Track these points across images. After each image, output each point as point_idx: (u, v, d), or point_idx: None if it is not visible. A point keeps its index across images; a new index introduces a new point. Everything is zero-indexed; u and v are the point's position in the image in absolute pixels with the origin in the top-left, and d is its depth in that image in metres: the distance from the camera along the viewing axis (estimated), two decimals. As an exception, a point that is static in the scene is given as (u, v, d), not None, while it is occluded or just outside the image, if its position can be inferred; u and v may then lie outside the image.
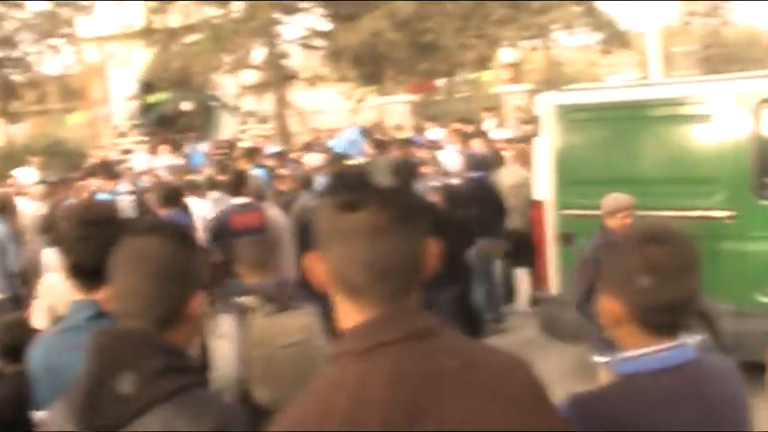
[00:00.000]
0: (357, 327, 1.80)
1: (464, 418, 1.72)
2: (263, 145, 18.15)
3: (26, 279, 8.21)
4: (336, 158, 12.29)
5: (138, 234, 2.34)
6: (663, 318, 2.22)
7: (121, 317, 2.27)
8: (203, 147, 21.34)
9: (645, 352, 2.22)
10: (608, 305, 2.28)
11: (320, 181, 10.51)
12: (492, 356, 1.87)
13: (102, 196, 11.01)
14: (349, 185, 1.82)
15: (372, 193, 1.78)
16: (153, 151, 19.66)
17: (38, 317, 5.20)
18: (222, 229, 8.26)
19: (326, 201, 1.84)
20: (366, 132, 18.60)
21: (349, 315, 1.83)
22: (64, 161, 22.85)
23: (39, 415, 2.86)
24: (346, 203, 1.78)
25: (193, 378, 2.21)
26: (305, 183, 10.14)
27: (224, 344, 5.16)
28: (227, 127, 30.12)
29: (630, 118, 7.60)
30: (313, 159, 12.40)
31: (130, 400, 2.10)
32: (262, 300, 5.29)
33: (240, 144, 19.71)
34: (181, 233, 2.38)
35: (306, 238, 9.01)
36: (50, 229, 8.34)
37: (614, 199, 6.68)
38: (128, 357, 2.15)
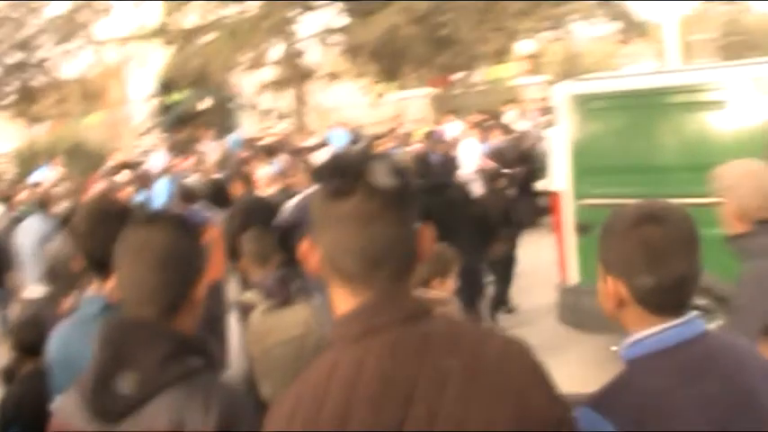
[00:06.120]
0: (350, 312, 1.81)
1: (457, 400, 1.71)
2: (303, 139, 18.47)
3: (53, 275, 8.23)
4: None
5: (139, 224, 2.36)
6: (665, 297, 2.20)
7: (127, 306, 2.29)
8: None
9: (651, 332, 2.20)
10: (611, 287, 2.27)
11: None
12: (486, 338, 1.85)
13: (139, 197, 11.12)
14: (340, 172, 1.82)
15: (363, 179, 1.78)
16: (173, 150, 19.87)
17: None
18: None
19: (319, 187, 1.84)
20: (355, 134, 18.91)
21: (343, 301, 1.83)
22: (84, 162, 22.98)
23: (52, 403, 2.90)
24: (337, 190, 1.79)
25: (202, 361, 2.23)
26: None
27: (230, 342, 5.17)
28: (245, 125, 30.21)
29: (648, 106, 7.53)
30: (321, 156, 12.31)
31: (140, 386, 2.11)
32: (261, 296, 5.27)
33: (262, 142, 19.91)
34: (182, 222, 2.39)
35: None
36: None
37: None
38: (136, 345, 2.17)
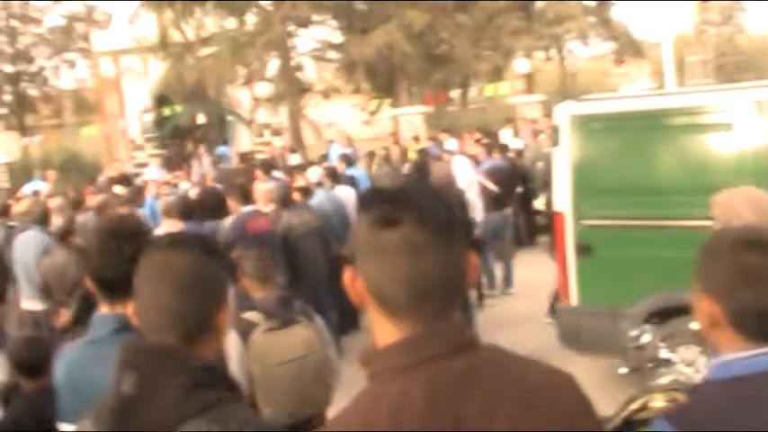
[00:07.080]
0: (397, 343, 1.76)
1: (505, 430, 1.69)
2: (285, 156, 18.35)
3: (48, 290, 8.13)
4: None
5: (162, 248, 2.30)
6: (758, 323, 2.26)
7: (147, 331, 2.22)
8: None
9: (740, 356, 2.25)
10: (706, 307, 2.31)
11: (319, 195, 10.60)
12: (533, 369, 1.83)
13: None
14: (386, 200, 1.78)
15: (410, 208, 1.74)
16: (169, 164, 19.86)
17: None
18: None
19: (363, 216, 1.79)
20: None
21: (387, 331, 1.78)
22: (80, 175, 22.92)
23: (64, 427, 2.84)
24: (384, 219, 1.74)
25: (224, 392, 2.16)
26: (285, 199, 10.09)
27: (230, 363, 5.11)
28: (241, 139, 30.20)
29: (650, 127, 7.51)
30: (315, 174, 12.15)
31: (162, 416, 2.06)
32: (263, 316, 5.22)
33: (258, 156, 19.89)
34: (205, 245, 2.32)
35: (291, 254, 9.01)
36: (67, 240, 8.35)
37: None
38: (157, 374, 2.11)
